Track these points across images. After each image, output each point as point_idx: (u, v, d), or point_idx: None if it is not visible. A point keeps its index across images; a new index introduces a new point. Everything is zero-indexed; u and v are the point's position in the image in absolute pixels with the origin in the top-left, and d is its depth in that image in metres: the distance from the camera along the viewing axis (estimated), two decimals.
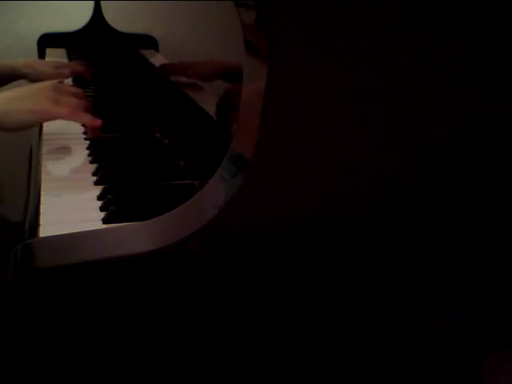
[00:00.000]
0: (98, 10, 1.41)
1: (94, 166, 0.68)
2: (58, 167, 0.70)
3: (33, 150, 0.82)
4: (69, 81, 1.07)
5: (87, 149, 0.75)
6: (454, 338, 0.59)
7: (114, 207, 0.54)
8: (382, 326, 0.53)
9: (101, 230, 0.50)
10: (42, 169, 0.68)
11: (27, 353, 0.40)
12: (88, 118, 0.72)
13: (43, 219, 0.54)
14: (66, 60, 1.29)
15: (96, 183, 0.63)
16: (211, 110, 0.66)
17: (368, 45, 0.40)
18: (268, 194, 0.42)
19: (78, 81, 1.07)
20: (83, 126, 0.82)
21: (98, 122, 0.73)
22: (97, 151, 0.73)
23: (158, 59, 0.91)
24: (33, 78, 1.05)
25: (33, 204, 0.59)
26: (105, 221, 0.53)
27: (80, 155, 0.73)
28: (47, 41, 1.42)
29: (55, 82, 0.76)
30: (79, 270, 0.40)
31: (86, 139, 0.79)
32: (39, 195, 0.60)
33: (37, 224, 0.53)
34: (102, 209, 0.56)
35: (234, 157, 0.42)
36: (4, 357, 0.40)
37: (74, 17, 1.46)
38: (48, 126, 0.83)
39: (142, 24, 1.00)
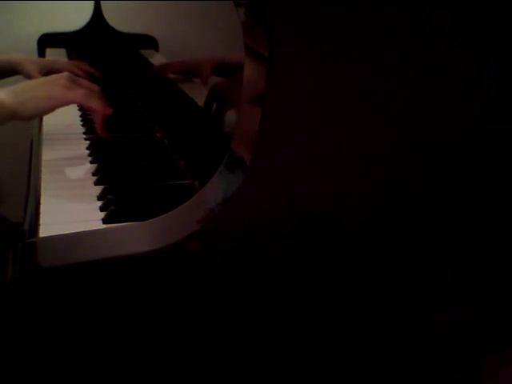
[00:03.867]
0: (98, 9, 1.41)
1: (94, 166, 0.68)
2: (57, 167, 0.70)
3: (33, 149, 0.82)
4: None
5: (87, 149, 0.75)
6: (453, 337, 0.59)
7: (113, 207, 0.54)
8: (381, 326, 0.53)
9: (101, 229, 0.50)
10: (42, 169, 0.68)
11: (27, 353, 0.40)
12: (99, 104, 0.74)
13: (43, 219, 0.54)
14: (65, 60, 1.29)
15: (96, 183, 0.63)
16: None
17: (368, 45, 0.40)
18: (268, 193, 0.42)
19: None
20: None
21: (109, 111, 0.75)
22: (97, 151, 0.73)
23: (157, 59, 0.91)
24: (25, 76, 1.06)
25: (33, 204, 0.59)
26: (105, 221, 0.53)
27: (80, 155, 0.73)
28: (47, 41, 1.42)
29: (69, 73, 0.78)
30: (79, 270, 0.40)
31: (86, 139, 0.79)
32: (39, 195, 0.60)
33: (37, 224, 0.53)
34: (102, 209, 0.56)
35: (234, 157, 0.42)
36: (4, 357, 0.40)
37: (74, 17, 1.46)
38: (48, 126, 0.84)
39: (142, 24, 1.00)
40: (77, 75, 1.07)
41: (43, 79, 0.76)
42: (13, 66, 1.08)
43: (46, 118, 0.83)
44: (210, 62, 0.64)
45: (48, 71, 1.06)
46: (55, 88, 0.72)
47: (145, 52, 1.00)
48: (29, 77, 1.04)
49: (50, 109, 0.74)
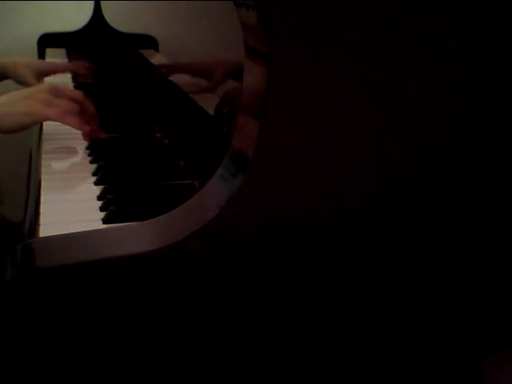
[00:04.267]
0: (97, 10, 1.41)
1: (94, 166, 0.68)
2: (57, 167, 0.70)
3: (33, 150, 0.82)
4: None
5: (87, 149, 0.75)
6: (454, 337, 0.59)
7: (113, 207, 0.54)
8: (382, 326, 0.53)
9: (101, 230, 0.50)
10: (42, 169, 0.68)
11: (27, 353, 0.40)
12: (75, 122, 0.72)
13: (43, 219, 0.54)
14: (65, 60, 1.29)
15: (96, 183, 0.63)
16: (211, 109, 0.66)
17: (368, 45, 0.40)
18: (268, 193, 0.42)
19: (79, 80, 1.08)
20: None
21: (85, 128, 0.74)
22: (97, 151, 0.73)
23: (157, 59, 0.91)
24: (16, 80, 1.04)
25: (33, 204, 0.59)
26: (105, 221, 0.53)
27: (80, 155, 0.73)
28: (47, 41, 1.42)
29: (52, 83, 0.77)
30: (79, 270, 0.40)
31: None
32: (39, 195, 0.60)
33: (37, 224, 0.53)
34: (102, 209, 0.56)
35: (234, 156, 0.42)
36: (4, 357, 0.40)
37: (74, 17, 1.46)
38: (48, 126, 0.83)
39: (142, 24, 1.00)
40: (78, 74, 1.08)
41: (24, 92, 0.75)
42: (3, 71, 1.04)
43: None
44: (223, 65, 0.64)
45: (44, 74, 1.05)
46: (33, 104, 0.71)
47: (145, 52, 1.00)
48: (22, 82, 1.02)
49: (28, 125, 0.73)
